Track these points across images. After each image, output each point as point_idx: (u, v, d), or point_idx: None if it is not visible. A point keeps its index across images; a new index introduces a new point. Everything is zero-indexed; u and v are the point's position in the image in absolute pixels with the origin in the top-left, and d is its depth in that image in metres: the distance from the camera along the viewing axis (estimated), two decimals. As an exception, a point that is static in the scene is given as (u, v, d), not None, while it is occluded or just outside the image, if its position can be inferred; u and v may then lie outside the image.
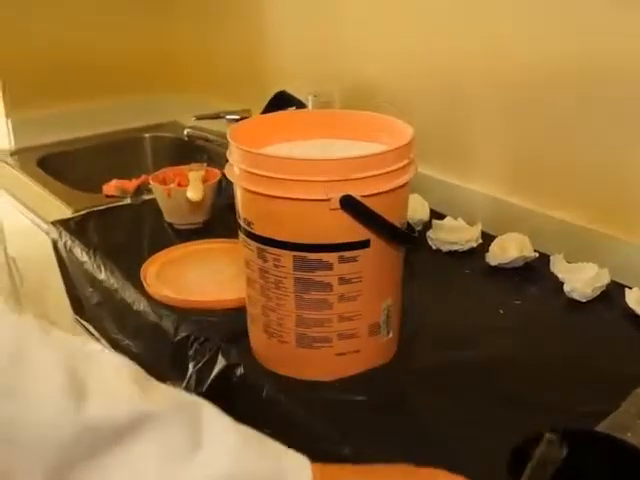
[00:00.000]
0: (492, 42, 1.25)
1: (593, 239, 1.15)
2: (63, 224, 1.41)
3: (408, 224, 0.96)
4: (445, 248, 1.24)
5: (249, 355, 0.96)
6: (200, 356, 0.99)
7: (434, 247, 1.26)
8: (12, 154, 1.86)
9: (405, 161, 0.87)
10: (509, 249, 1.17)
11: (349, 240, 0.86)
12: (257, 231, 0.89)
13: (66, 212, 1.48)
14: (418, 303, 1.06)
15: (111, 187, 1.57)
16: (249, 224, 0.89)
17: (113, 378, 0.51)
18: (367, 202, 0.84)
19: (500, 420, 0.82)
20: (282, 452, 0.58)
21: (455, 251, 1.24)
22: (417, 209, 1.32)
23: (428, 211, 1.34)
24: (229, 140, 0.89)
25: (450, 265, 1.21)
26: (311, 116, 1.06)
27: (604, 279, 1.09)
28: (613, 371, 0.91)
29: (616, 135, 1.11)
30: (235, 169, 0.89)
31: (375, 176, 0.84)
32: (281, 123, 1.01)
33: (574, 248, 1.15)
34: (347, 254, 0.86)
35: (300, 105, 1.46)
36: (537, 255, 1.17)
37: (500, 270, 1.18)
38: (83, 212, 1.46)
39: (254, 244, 0.90)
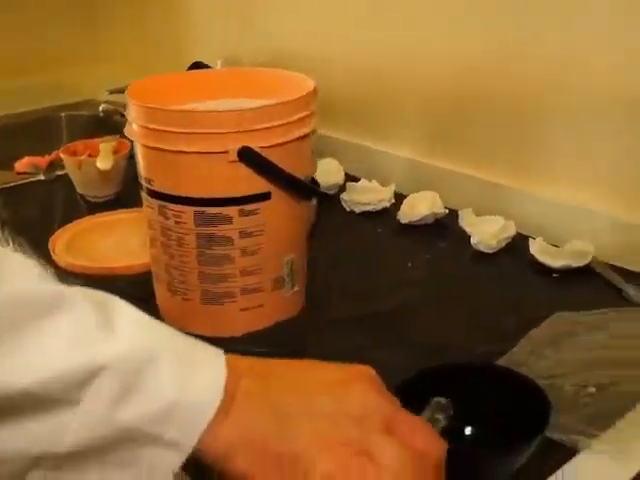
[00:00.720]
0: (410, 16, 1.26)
1: (501, 194, 1.18)
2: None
3: (313, 179, 0.96)
4: (358, 209, 1.25)
5: (156, 315, 0.95)
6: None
7: (348, 209, 1.27)
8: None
9: (304, 113, 0.87)
10: (419, 207, 1.19)
11: (249, 193, 0.86)
12: (157, 188, 0.88)
13: (-25, 191, 1.45)
14: (328, 261, 1.07)
15: (23, 164, 1.54)
16: (149, 182, 0.89)
17: (23, 265, 0.49)
18: (266, 154, 0.84)
19: (404, 366, 0.83)
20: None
21: (368, 212, 1.25)
22: (332, 173, 1.33)
23: (343, 175, 1.34)
24: (127, 98, 0.88)
25: (362, 225, 1.22)
26: (217, 75, 1.05)
27: (510, 231, 1.12)
28: (514, 315, 0.93)
29: (522, 94, 1.13)
30: (133, 126, 0.88)
31: (273, 127, 0.84)
32: (185, 82, 0.99)
33: (483, 203, 1.18)
34: (248, 207, 0.86)
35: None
36: (447, 212, 1.19)
37: (411, 228, 1.19)
38: (-7, 189, 1.43)
39: (155, 202, 0.89)
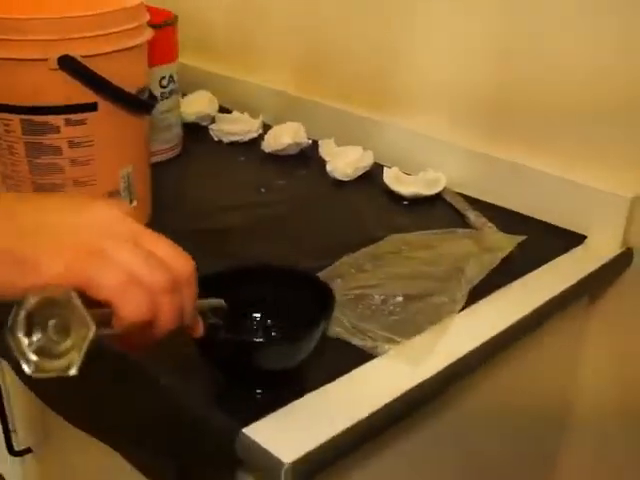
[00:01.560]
0: None
1: (362, 125, 1.18)
2: None
3: (151, 94, 0.95)
4: (226, 139, 1.25)
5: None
6: None
7: (216, 138, 1.26)
8: None
9: (130, 25, 0.86)
10: (283, 137, 1.19)
11: (73, 102, 0.85)
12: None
13: None
14: (181, 183, 1.07)
15: None
16: (-23, 91, 0.87)
17: None
18: (90, 63, 0.83)
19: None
20: None
21: (236, 142, 1.25)
22: (205, 105, 1.32)
23: (217, 106, 1.34)
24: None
25: (227, 154, 1.22)
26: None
27: (367, 160, 1.13)
28: (354, 237, 0.93)
29: (385, 28, 1.14)
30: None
31: (95, 37, 0.83)
32: None
33: (346, 135, 1.18)
34: (74, 117, 0.85)
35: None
36: (310, 142, 1.19)
37: (274, 157, 1.19)
38: None
39: (-17, 111, 0.88)
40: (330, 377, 0.69)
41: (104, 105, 0.86)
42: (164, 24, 1.12)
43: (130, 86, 0.88)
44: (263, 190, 1.08)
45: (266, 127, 1.25)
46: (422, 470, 0.81)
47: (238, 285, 0.70)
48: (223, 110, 1.34)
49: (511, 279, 0.86)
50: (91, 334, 0.42)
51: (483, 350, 0.75)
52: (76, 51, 0.82)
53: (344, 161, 1.11)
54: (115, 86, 0.85)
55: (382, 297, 0.78)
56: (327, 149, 1.15)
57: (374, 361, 0.72)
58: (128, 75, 0.88)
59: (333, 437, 0.63)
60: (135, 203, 0.94)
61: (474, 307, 0.80)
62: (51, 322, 0.43)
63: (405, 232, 0.94)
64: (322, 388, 0.68)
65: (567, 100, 0.96)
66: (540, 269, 0.89)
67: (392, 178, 1.07)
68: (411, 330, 0.75)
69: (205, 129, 1.29)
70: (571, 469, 1.09)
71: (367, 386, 0.69)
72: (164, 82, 1.15)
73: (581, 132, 0.96)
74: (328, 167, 1.11)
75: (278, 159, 1.19)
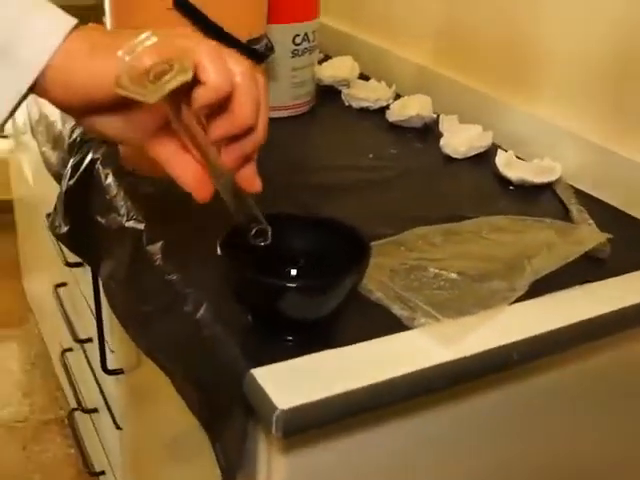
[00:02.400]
0: None
1: (488, 104, 1.14)
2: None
3: (267, 46, 0.97)
4: (356, 104, 1.25)
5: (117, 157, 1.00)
6: (79, 154, 1.04)
7: (347, 103, 1.27)
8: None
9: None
10: (408, 108, 1.17)
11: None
12: (109, 30, 0.92)
13: None
14: (298, 140, 1.09)
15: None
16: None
17: None
18: (203, 5, 0.86)
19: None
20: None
21: (365, 108, 1.25)
22: (346, 70, 1.33)
23: (357, 73, 1.34)
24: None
25: (353, 118, 1.22)
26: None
27: (484, 141, 1.09)
28: (444, 213, 0.91)
29: (519, 9, 1.09)
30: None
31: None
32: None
33: (472, 113, 1.15)
34: (184, 57, 0.89)
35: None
36: (435, 116, 1.17)
37: (397, 127, 1.18)
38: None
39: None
40: (356, 339, 0.69)
41: (213, 48, 0.89)
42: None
43: (242, 34, 0.90)
44: (371, 156, 1.08)
45: (398, 98, 1.24)
46: (419, 456, 0.77)
47: (279, 232, 0.71)
48: (363, 77, 1.34)
49: (593, 279, 0.80)
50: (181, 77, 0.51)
51: (523, 348, 0.70)
52: (189, -7, 0.86)
53: (459, 138, 1.08)
54: (225, 32, 0.88)
55: (436, 271, 0.76)
56: (448, 125, 1.13)
57: (407, 332, 0.70)
58: (241, 22, 0.91)
59: (333, 396, 0.62)
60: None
61: (534, 300, 0.76)
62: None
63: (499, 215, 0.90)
64: (344, 348, 0.68)
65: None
66: (631, 274, 0.82)
67: (503, 161, 1.03)
68: (455, 310, 0.72)
69: (339, 93, 1.30)
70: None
71: (386, 355, 0.67)
72: (297, 40, 1.17)
73: None
74: (441, 142, 1.08)
75: (399, 129, 1.18)
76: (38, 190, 1.57)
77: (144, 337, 0.84)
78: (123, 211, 0.89)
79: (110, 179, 0.94)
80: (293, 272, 0.72)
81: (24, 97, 0.55)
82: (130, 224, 0.86)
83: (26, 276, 2.16)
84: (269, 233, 0.62)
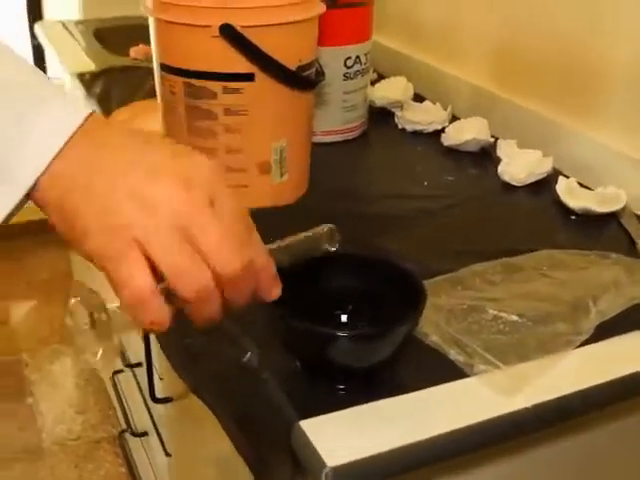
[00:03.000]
0: None
1: (549, 128, 1.10)
2: (81, 76, 1.48)
3: (318, 71, 0.95)
4: (410, 127, 1.22)
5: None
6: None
7: (400, 126, 1.23)
8: (77, 23, 1.94)
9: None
10: (464, 131, 1.13)
11: (232, 71, 0.86)
12: (158, 58, 0.91)
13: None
14: (349, 165, 1.06)
15: (137, 50, 1.63)
16: (156, 54, 0.92)
17: None
18: (250, 34, 0.84)
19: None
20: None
21: (419, 131, 1.21)
22: (398, 91, 1.29)
23: (411, 94, 1.31)
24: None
25: (406, 143, 1.19)
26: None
27: (544, 167, 1.04)
28: (502, 245, 0.87)
29: (583, 29, 1.04)
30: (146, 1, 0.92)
31: (256, 8, 0.84)
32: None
33: (531, 136, 1.11)
34: (231, 85, 0.87)
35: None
36: (492, 140, 1.13)
37: (452, 151, 1.15)
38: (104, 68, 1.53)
39: (158, 72, 0.92)
40: (410, 387, 0.65)
41: (261, 77, 0.87)
42: (351, 4, 1.11)
43: (291, 60, 0.88)
44: (425, 183, 1.04)
45: (454, 120, 1.20)
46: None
47: (329, 273, 0.68)
48: (418, 97, 1.31)
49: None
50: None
51: (591, 396, 0.66)
52: (237, 21, 0.83)
53: (518, 164, 1.03)
54: (272, 59, 0.86)
55: (495, 313, 0.72)
56: (506, 149, 1.08)
57: (464, 380, 0.67)
58: (290, 49, 0.88)
59: (386, 452, 0.59)
60: (285, 177, 0.95)
61: (600, 344, 0.71)
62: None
63: (560, 249, 0.86)
64: (397, 397, 0.64)
65: None
66: None
67: (565, 189, 0.99)
68: (515, 355, 0.68)
69: (393, 115, 1.26)
70: None
71: (443, 406, 0.64)
72: (349, 62, 1.14)
73: None
74: (500, 168, 1.04)
75: (455, 154, 1.14)
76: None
77: (189, 373, 0.82)
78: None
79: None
80: (343, 318, 0.69)
81: (20, 204, 0.49)
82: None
83: (79, 292, 2.17)
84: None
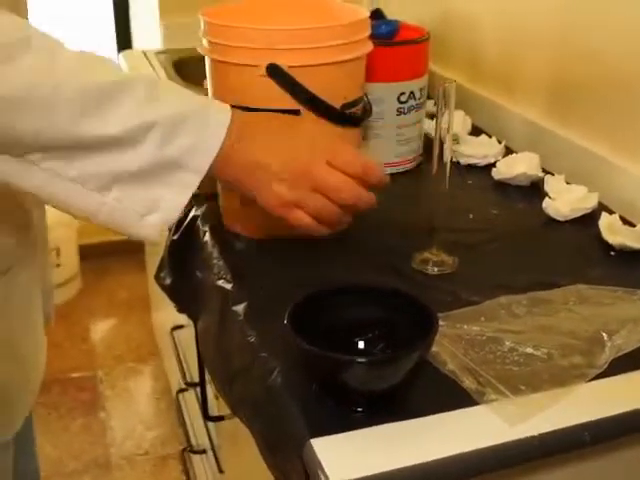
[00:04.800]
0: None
1: (597, 164, 1.10)
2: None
3: (365, 108, 0.99)
4: (463, 161, 1.25)
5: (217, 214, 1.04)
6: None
7: (454, 159, 1.26)
8: (157, 53, 2.05)
9: (339, 40, 0.90)
10: (515, 166, 1.15)
11: (279, 107, 0.91)
12: (211, 94, 0.98)
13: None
14: (397, 198, 1.09)
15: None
16: (209, 91, 0.99)
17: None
18: (296, 73, 0.89)
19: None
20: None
21: (473, 165, 1.24)
22: (456, 124, 1.32)
23: (469, 127, 1.34)
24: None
25: (458, 175, 1.21)
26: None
27: (589, 202, 1.06)
28: (536, 279, 0.89)
29: (635, 69, 1.05)
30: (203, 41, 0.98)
31: (304, 49, 0.89)
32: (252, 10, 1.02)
33: (580, 172, 1.12)
34: (278, 120, 0.92)
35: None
36: (543, 175, 1.14)
37: (501, 185, 1.17)
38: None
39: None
40: (421, 412, 0.69)
41: (307, 113, 0.92)
42: (406, 42, 1.15)
43: (336, 98, 0.92)
44: (471, 216, 1.07)
45: (508, 154, 1.22)
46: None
47: (348, 303, 0.73)
48: (476, 129, 1.33)
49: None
50: None
51: (596, 428, 0.67)
52: (284, 61, 0.89)
53: (562, 199, 1.05)
54: (317, 97, 0.90)
55: (511, 345, 0.75)
56: (553, 184, 1.10)
57: (474, 408, 0.69)
58: (335, 88, 0.93)
59: (391, 471, 0.62)
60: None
61: (614, 378, 0.73)
62: None
63: (592, 285, 0.87)
64: (406, 422, 0.68)
65: None
66: None
67: (606, 225, 1.00)
68: (526, 386, 0.70)
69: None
70: None
71: (447, 431, 0.67)
72: (403, 98, 1.18)
73: None
74: (544, 203, 1.06)
75: (504, 187, 1.16)
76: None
77: (228, 394, 0.87)
78: (216, 269, 0.92)
79: (207, 236, 0.98)
80: (361, 344, 0.73)
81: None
82: (220, 283, 0.90)
83: (154, 313, 2.27)
84: None
